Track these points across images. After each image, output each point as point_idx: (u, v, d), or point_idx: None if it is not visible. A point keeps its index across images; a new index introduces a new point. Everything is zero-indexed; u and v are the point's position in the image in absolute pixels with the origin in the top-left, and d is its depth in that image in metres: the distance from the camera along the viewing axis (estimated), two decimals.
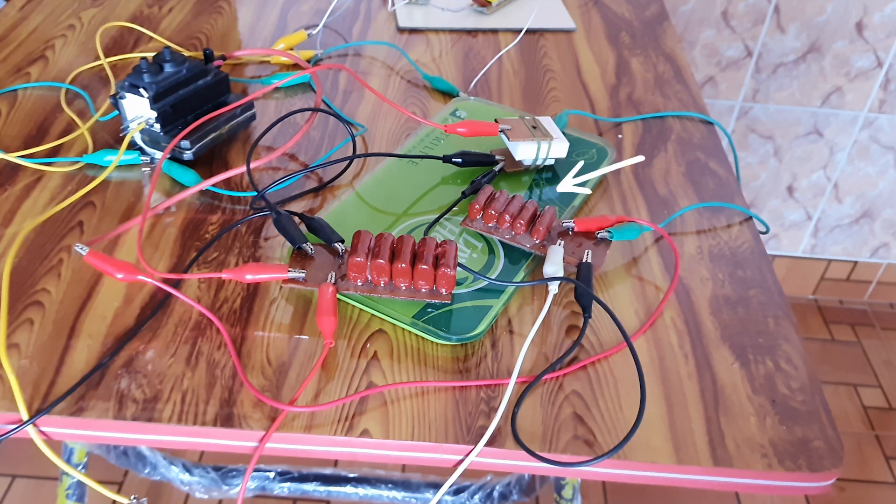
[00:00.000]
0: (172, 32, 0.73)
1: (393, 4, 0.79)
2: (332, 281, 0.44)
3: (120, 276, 0.44)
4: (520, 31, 0.76)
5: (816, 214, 1.47)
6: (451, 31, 0.76)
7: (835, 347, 1.51)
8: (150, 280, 0.45)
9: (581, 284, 0.45)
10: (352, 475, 0.83)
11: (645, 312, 0.47)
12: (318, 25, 0.74)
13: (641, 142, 0.62)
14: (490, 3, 0.78)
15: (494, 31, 0.76)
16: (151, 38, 0.72)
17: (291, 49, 0.70)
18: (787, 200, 1.45)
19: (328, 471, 0.84)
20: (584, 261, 0.47)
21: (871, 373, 1.47)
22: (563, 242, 0.48)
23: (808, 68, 1.27)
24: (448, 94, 0.66)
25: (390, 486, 0.81)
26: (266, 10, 0.78)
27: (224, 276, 0.45)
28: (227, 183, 0.55)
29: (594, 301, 0.45)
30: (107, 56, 0.68)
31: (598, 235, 0.49)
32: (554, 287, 0.45)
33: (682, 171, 0.59)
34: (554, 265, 0.46)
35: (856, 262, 1.54)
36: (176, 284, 0.47)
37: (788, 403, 0.43)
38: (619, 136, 0.62)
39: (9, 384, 0.40)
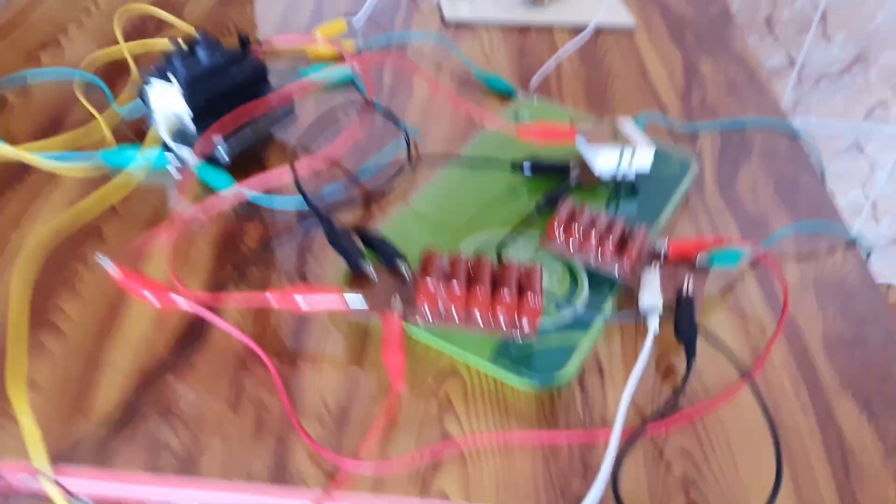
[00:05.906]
0: (197, 19, 0.67)
1: None
2: (399, 309, 0.38)
3: (151, 296, 0.37)
4: (575, 27, 0.69)
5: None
6: (502, 25, 0.70)
7: None
8: (184, 303, 0.38)
9: (685, 320, 0.39)
10: None
11: (750, 352, 0.41)
12: (357, 13, 0.68)
13: (722, 153, 0.56)
14: None
15: (549, 28, 0.70)
16: (173, 25, 0.65)
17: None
18: None
19: None
20: (684, 291, 0.41)
21: None
22: (657, 267, 0.42)
23: (852, 80, 1.22)
24: (504, 95, 0.60)
25: None
26: None
27: (270, 298, 0.38)
28: (265, 189, 0.48)
29: (700, 340, 0.39)
30: (126, 42, 0.62)
31: (698, 260, 0.43)
32: (654, 323, 0.39)
33: (771, 188, 0.53)
34: (651, 294, 0.40)
35: (889, 286, 1.48)
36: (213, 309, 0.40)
37: None
38: (697, 147, 0.56)
39: (25, 428, 0.34)
